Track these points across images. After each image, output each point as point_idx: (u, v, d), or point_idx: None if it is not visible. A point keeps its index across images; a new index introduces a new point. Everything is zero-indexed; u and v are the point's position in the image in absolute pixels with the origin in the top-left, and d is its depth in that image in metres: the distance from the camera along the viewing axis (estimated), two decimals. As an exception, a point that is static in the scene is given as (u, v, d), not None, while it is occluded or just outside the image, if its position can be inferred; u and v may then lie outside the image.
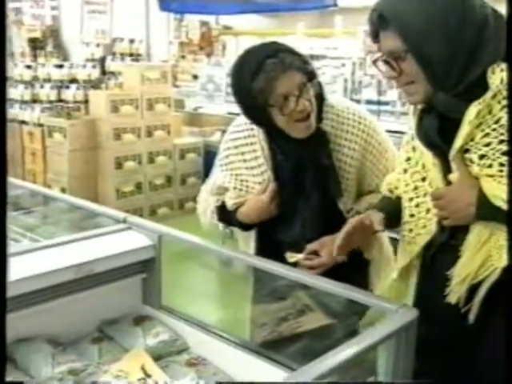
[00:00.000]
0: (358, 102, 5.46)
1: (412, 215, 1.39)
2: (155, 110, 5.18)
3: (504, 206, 1.15)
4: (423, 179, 1.36)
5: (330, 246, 1.50)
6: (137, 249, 1.63)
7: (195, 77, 7.55)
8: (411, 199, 1.39)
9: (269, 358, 1.45)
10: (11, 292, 1.35)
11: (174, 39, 8.37)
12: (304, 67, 1.49)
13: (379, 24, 1.25)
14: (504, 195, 1.14)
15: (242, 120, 1.66)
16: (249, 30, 9.88)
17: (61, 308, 1.50)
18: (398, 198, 1.47)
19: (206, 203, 1.78)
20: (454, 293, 1.27)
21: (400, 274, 1.47)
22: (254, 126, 1.63)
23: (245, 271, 1.67)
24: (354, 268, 1.54)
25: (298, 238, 1.61)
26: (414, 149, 1.38)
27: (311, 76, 1.51)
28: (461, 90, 1.20)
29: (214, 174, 1.84)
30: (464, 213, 1.22)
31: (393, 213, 1.46)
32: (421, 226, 1.37)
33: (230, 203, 1.69)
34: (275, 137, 1.59)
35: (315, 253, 1.53)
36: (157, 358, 1.46)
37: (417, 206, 1.38)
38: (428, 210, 1.34)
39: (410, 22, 1.19)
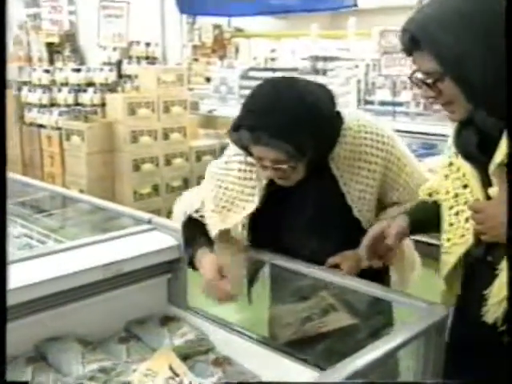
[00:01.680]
0: (372, 103, 5.45)
1: (451, 224, 1.35)
2: (171, 112, 5.20)
3: None
4: (464, 186, 1.32)
5: (351, 259, 1.49)
6: (162, 249, 1.64)
7: (208, 79, 7.59)
8: (451, 207, 1.35)
9: (294, 357, 1.46)
10: (41, 292, 1.38)
11: (188, 42, 8.43)
12: (287, 150, 1.37)
13: (412, 45, 1.19)
14: None
15: None
16: (261, 32, 9.91)
17: (89, 308, 1.52)
18: (435, 204, 1.42)
19: (185, 203, 1.68)
20: (492, 313, 1.22)
21: (446, 284, 1.41)
22: None
23: (269, 270, 1.67)
24: (371, 274, 1.50)
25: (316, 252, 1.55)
26: (456, 154, 1.34)
27: (297, 157, 1.40)
28: (500, 109, 1.13)
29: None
30: (500, 231, 1.16)
31: (427, 217, 1.43)
32: (459, 235, 1.33)
33: (213, 232, 1.55)
34: None
35: (336, 266, 1.51)
36: (183, 358, 1.47)
37: (456, 214, 1.34)
38: (467, 219, 1.30)
39: (445, 44, 1.13)
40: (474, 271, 1.32)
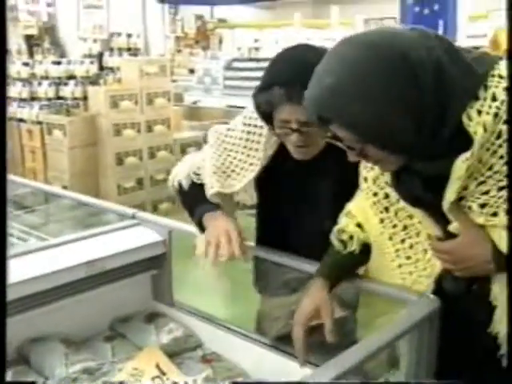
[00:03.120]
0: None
1: (408, 257, 1.24)
2: (155, 104, 5.14)
3: None
4: (410, 217, 1.21)
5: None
6: (147, 245, 1.61)
7: (192, 71, 7.52)
8: (403, 240, 1.24)
9: (283, 352, 1.43)
10: (23, 292, 1.34)
11: (171, 33, 8.35)
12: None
13: (323, 122, 1.05)
14: None
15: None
16: (244, 23, 9.84)
17: (72, 306, 1.48)
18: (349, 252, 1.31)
19: (182, 167, 1.64)
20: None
21: None
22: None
23: (256, 264, 1.64)
24: None
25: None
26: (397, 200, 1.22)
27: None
28: (438, 151, 1.05)
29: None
30: (481, 269, 1.08)
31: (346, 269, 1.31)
32: (421, 268, 1.23)
33: (210, 191, 1.52)
34: None
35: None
36: (171, 355, 1.45)
37: (411, 247, 1.23)
38: (425, 251, 1.21)
39: (354, 115, 0.99)
40: (457, 309, 1.18)
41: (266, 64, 1.52)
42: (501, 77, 1.01)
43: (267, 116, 1.43)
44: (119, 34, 5.98)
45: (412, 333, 1.08)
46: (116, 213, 1.82)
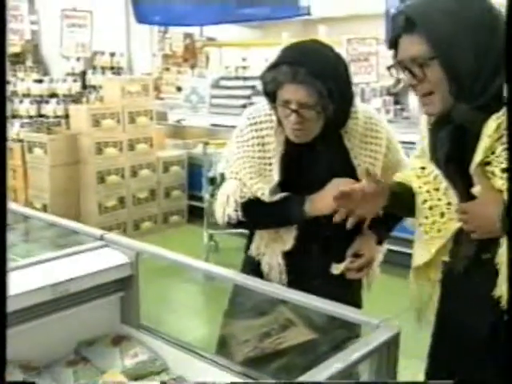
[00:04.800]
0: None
1: (426, 217, 1.39)
2: (137, 123, 5.14)
3: None
4: (436, 189, 1.37)
5: (367, 242, 1.61)
6: (114, 267, 1.58)
7: (179, 89, 7.55)
8: (425, 201, 1.39)
9: (251, 378, 1.41)
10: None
11: (158, 51, 8.38)
12: (320, 91, 1.44)
13: (405, 27, 1.20)
14: None
15: (261, 106, 1.65)
16: (233, 42, 9.91)
17: (35, 330, 1.45)
18: (410, 188, 1.46)
19: (223, 198, 1.66)
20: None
21: (419, 277, 1.45)
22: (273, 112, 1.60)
23: (225, 287, 1.63)
24: (345, 284, 1.62)
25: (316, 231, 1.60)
26: (429, 160, 1.38)
27: (329, 94, 1.46)
28: (482, 102, 1.16)
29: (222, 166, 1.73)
30: (490, 228, 1.19)
31: (403, 195, 1.45)
32: (436, 229, 1.36)
33: (266, 195, 1.57)
34: None
35: (356, 255, 1.61)
36: (135, 379, 1.42)
37: (430, 208, 1.38)
38: (442, 214, 1.34)
39: (440, 27, 1.15)
40: (468, 276, 1.33)
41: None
42: None
43: (272, 95, 1.53)
44: (102, 53, 6.00)
45: (371, 358, 1.07)
46: (84, 234, 1.79)
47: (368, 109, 1.67)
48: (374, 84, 5.46)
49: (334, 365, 1.00)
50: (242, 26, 9.88)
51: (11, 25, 6.06)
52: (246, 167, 1.61)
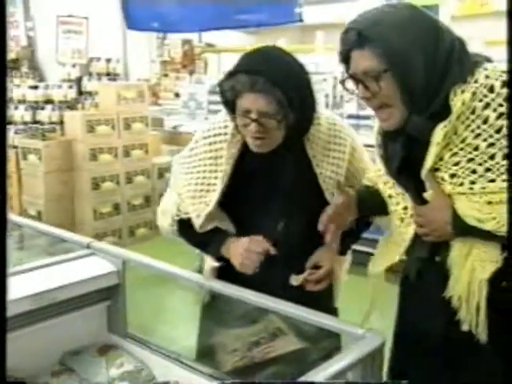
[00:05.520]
0: (341, 116, 5.46)
1: (394, 211, 1.44)
2: (132, 129, 5.13)
3: (476, 224, 1.19)
4: (394, 191, 1.43)
5: (327, 254, 1.59)
6: (100, 275, 1.57)
7: (177, 95, 7.53)
8: (390, 196, 1.44)
9: (238, 386, 1.40)
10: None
11: (157, 57, 8.38)
12: (279, 100, 1.41)
13: (356, 42, 1.24)
14: (475, 214, 1.19)
15: (220, 117, 1.62)
16: (232, 47, 9.91)
17: (19, 341, 1.42)
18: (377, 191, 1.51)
19: (165, 208, 1.68)
20: (468, 323, 1.26)
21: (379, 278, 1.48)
22: (229, 124, 1.57)
23: (212, 296, 1.61)
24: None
25: (277, 241, 1.56)
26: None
27: (285, 111, 1.43)
28: (431, 111, 1.22)
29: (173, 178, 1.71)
30: (443, 231, 1.26)
31: (373, 199, 1.50)
32: (406, 223, 1.40)
33: (198, 222, 1.57)
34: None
35: (315, 267, 1.59)
36: (121, 390, 1.40)
37: (397, 204, 1.43)
38: (405, 208, 1.39)
39: (391, 41, 1.19)
40: (421, 279, 1.39)
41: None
42: (485, 69, 1.22)
43: (230, 105, 1.49)
44: (98, 59, 6.00)
45: (356, 368, 1.05)
46: (71, 242, 1.78)
47: (332, 115, 1.65)
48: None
49: (319, 374, 1.00)
50: (240, 32, 9.90)
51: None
52: (191, 183, 1.59)
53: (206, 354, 1.65)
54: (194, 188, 1.58)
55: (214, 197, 1.55)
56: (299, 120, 1.46)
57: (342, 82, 1.33)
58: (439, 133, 1.20)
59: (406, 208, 1.39)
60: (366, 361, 1.05)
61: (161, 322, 1.65)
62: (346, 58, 1.29)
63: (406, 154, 1.30)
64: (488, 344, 1.24)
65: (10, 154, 5.14)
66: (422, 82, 1.20)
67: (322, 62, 6.41)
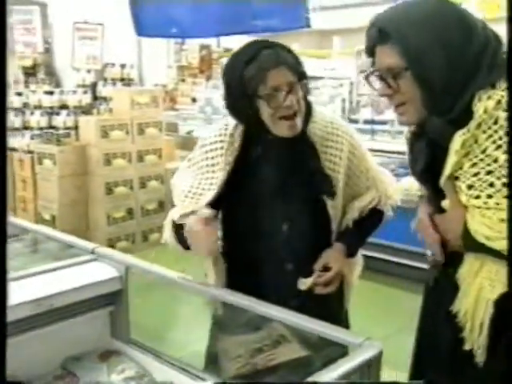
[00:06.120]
0: (356, 121, 5.42)
1: None
2: (146, 134, 5.15)
3: (485, 242, 1.14)
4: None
5: (334, 254, 1.58)
6: (103, 281, 1.57)
7: (194, 100, 7.56)
8: None
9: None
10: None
11: (175, 63, 8.41)
12: (296, 66, 1.50)
13: (378, 39, 1.21)
14: (485, 231, 1.13)
15: (217, 126, 1.65)
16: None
17: (22, 345, 1.43)
18: None
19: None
20: (470, 341, 1.23)
21: None
22: (229, 125, 1.59)
23: (216, 303, 1.61)
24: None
25: (283, 243, 1.57)
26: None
27: (302, 76, 1.51)
28: (453, 116, 1.16)
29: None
30: (454, 243, 1.23)
31: None
32: None
33: (176, 216, 1.57)
34: (257, 135, 1.56)
35: (324, 269, 1.57)
36: (122, 396, 1.40)
37: None
38: None
39: (411, 38, 1.14)
40: (437, 284, 1.38)
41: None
42: None
43: (247, 106, 1.48)
44: (113, 65, 6.05)
45: (353, 377, 1.03)
46: (76, 247, 1.79)
47: (328, 113, 1.67)
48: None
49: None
50: (257, 37, 9.86)
51: (24, 38, 6.15)
52: (184, 190, 1.61)
53: (212, 362, 1.64)
54: (186, 194, 1.59)
55: (205, 198, 1.55)
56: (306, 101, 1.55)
57: (367, 77, 1.29)
58: (458, 140, 1.15)
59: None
60: (363, 369, 1.03)
61: (164, 327, 1.64)
62: (371, 54, 1.26)
63: (429, 159, 1.26)
64: (485, 367, 1.20)
65: (26, 158, 5.20)
66: (444, 81, 1.13)
67: (338, 67, 6.40)
